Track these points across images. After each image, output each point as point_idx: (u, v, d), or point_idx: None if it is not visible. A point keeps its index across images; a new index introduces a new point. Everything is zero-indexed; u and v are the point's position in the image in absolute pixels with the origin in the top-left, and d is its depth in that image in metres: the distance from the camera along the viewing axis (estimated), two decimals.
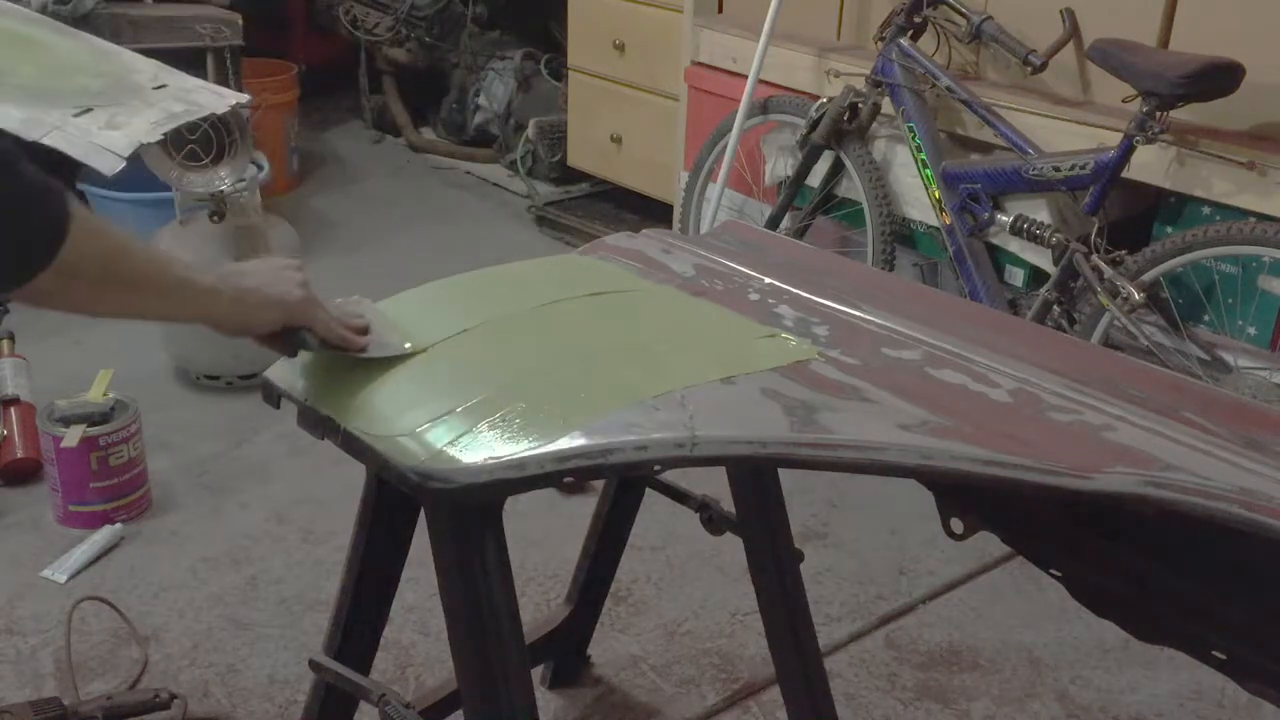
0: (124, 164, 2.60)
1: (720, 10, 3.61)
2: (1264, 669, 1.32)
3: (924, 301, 1.62)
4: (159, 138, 2.74)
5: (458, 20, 4.79)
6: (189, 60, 3.80)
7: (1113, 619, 1.45)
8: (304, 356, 1.38)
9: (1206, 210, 2.56)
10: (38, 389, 2.80)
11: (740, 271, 1.64)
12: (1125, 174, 2.56)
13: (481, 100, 4.77)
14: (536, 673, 2.11)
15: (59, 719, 1.90)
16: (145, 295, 1.20)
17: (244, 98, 2.95)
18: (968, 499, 1.51)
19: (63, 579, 2.36)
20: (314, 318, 1.33)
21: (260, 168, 3.27)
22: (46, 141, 2.67)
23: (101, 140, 2.64)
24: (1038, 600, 2.41)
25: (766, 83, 3.25)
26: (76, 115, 2.69)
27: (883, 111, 3.04)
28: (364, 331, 1.38)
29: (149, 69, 3.00)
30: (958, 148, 3.01)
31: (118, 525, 2.51)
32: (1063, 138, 2.74)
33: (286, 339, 1.33)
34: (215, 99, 2.90)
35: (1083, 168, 2.59)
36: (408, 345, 1.38)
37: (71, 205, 1.05)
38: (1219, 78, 2.43)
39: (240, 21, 3.87)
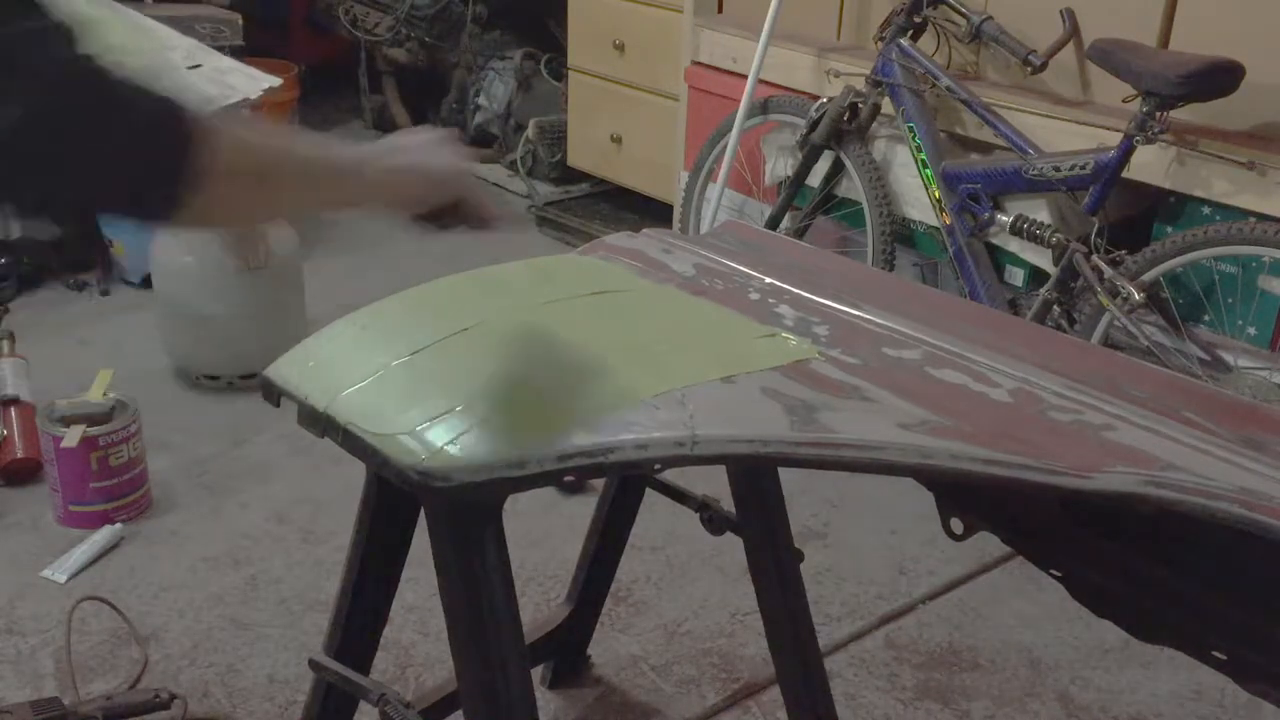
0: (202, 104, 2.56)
1: (720, 10, 3.61)
2: (1264, 669, 1.32)
3: (924, 301, 1.62)
4: None
5: (458, 20, 4.79)
6: None
7: (1113, 619, 1.45)
8: (314, 354, 1.38)
9: (1206, 210, 2.56)
10: (38, 389, 2.80)
11: (740, 271, 1.64)
12: (1125, 174, 2.56)
13: (481, 100, 4.77)
14: (536, 673, 2.11)
15: (59, 719, 1.90)
16: (296, 190, 1.13)
17: (275, 81, 2.92)
18: (968, 499, 1.51)
19: (63, 579, 2.36)
20: (474, 189, 1.28)
21: None
22: None
23: None
24: (1038, 600, 2.41)
25: (766, 83, 3.25)
26: None
27: (883, 111, 3.04)
28: None
29: (185, 46, 2.95)
30: (958, 148, 3.01)
31: (118, 525, 2.51)
32: (1063, 138, 2.74)
33: (443, 213, 1.27)
34: (249, 82, 2.86)
35: (1083, 168, 2.59)
36: None
37: (209, 120, 1.00)
38: (1219, 78, 2.43)
39: (240, 21, 3.87)
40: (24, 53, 0.89)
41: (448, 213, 1.27)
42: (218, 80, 2.85)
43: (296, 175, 1.12)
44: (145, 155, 0.96)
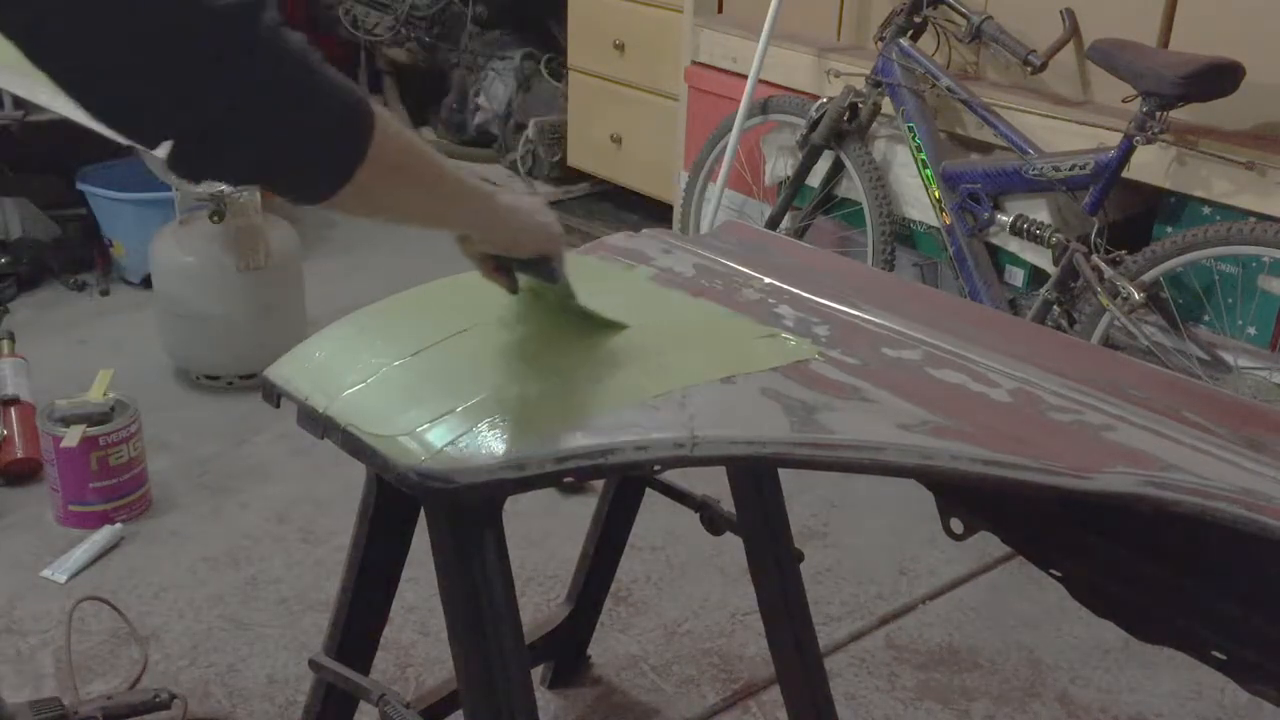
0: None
1: (720, 10, 3.61)
2: (1264, 669, 1.32)
3: (924, 301, 1.62)
4: None
5: (458, 20, 4.79)
6: None
7: (1113, 619, 1.45)
8: (314, 354, 1.38)
9: (1206, 210, 2.56)
10: (38, 389, 2.80)
11: (740, 271, 1.64)
12: (1125, 174, 2.56)
13: (481, 100, 4.76)
14: (536, 673, 2.11)
15: (59, 719, 1.90)
16: (438, 195, 1.19)
17: None
18: (968, 499, 1.51)
19: (63, 579, 2.36)
20: (563, 253, 1.36)
21: None
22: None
23: None
24: (1038, 600, 2.41)
25: (766, 83, 3.25)
26: None
27: (883, 111, 3.04)
28: None
29: None
30: (958, 148, 3.01)
31: (118, 525, 2.51)
32: (1063, 138, 2.74)
33: (521, 267, 1.35)
34: None
35: (1083, 168, 2.59)
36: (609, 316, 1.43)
37: (371, 101, 1.04)
38: (1219, 78, 2.43)
39: None
40: (237, 29, 0.92)
41: (533, 266, 1.35)
42: None
43: (442, 184, 1.18)
44: (335, 138, 1.01)
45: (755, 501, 1.81)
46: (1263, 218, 2.43)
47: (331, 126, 1.01)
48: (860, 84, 3.04)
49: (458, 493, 1.20)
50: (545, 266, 1.35)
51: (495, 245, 1.32)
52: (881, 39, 3.01)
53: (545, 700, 2.11)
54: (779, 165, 3.29)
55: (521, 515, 2.44)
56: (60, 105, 2.75)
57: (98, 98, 0.92)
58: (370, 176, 1.04)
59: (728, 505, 1.86)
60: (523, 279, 1.39)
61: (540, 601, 2.35)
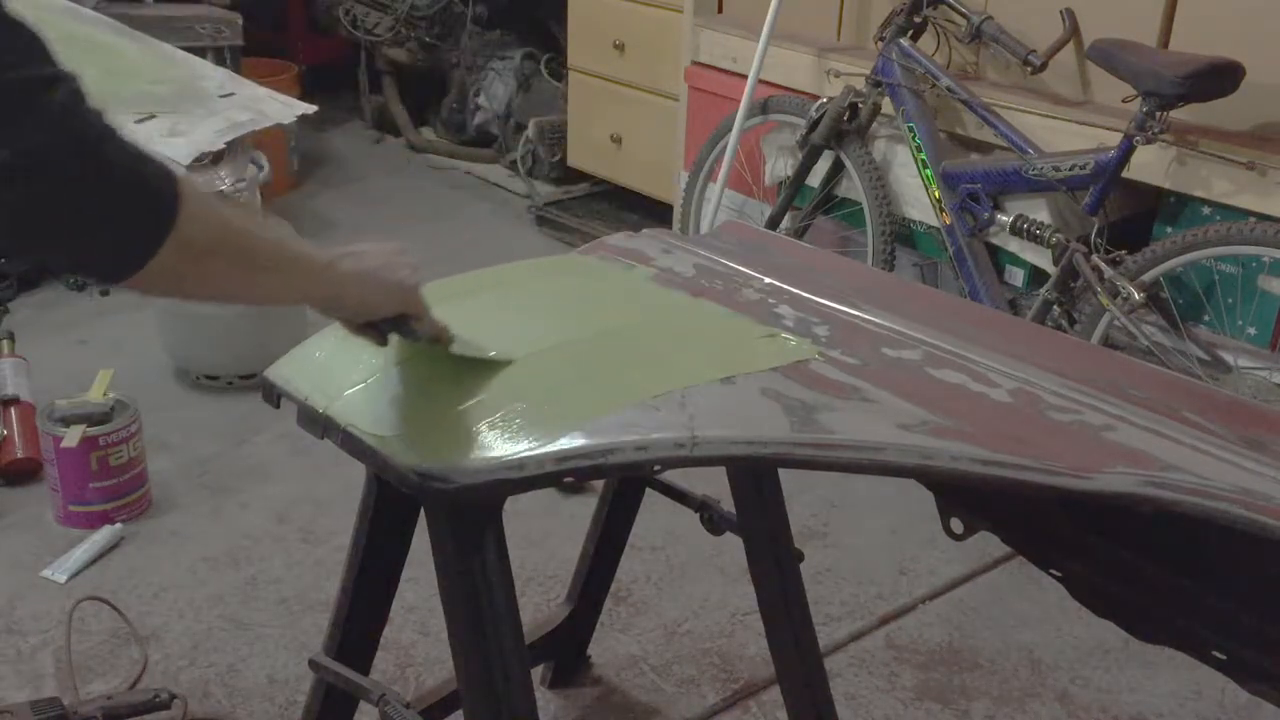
0: (184, 171, 2.61)
1: (720, 10, 3.61)
2: (1264, 669, 1.32)
3: (924, 301, 1.62)
4: (221, 146, 2.75)
5: (458, 20, 4.79)
6: None
7: (1113, 619, 1.45)
8: (314, 354, 1.38)
9: (1206, 210, 2.56)
10: (38, 389, 2.80)
11: (740, 271, 1.64)
12: (1125, 174, 2.56)
13: (481, 100, 4.77)
14: (536, 673, 2.11)
15: (59, 719, 1.90)
16: (263, 274, 1.13)
17: (310, 108, 2.94)
18: (968, 499, 1.51)
19: (63, 579, 2.36)
20: (424, 308, 1.29)
21: (260, 168, 3.27)
22: None
23: (162, 147, 2.67)
24: (1038, 600, 2.41)
25: (766, 83, 3.25)
26: (138, 121, 2.71)
27: (883, 111, 3.04)
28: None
29: (218, 76, 3.00)
30: (958, 148, 3.01)
31: (118, 525, 2.51)
32: (1063, 138, 2.74)
33: (387, 327, 1.29)
34: (282, 109, 2.91)
35: (1083, 168, 2.59)
36: (492, 353, 1.35)
37: (181, 183, 1.00)
38: (1219, 78, 2.43)
39: (240, 21, 3.87)
40: (21, 102, 0.89)
41: (394, 324, 1.29)
42: (251, 108, 2.88)
43: (271, 262, 1.13)
44: (129, 220, 0.96)
45: (755, 501, 1.81)
46: (1263, 218, 2.43)
47: (124, 208, 0.96)
48: (860, 84, 3.04)
49: (458, 493, 1.20)
50: (403, 325, 1.29)
51: (343, 314, 1.27)
52: (881, 39, 3.01)
53: (545, 700, 2.11)
54: (779, 165, 3.29)
55: (521, 515, 2.44)
56: None
57: None
58: (177, 260, 0.99)
59: (728, 505, 1.86)
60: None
61: (540, 601, 2.35)
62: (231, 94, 2.90)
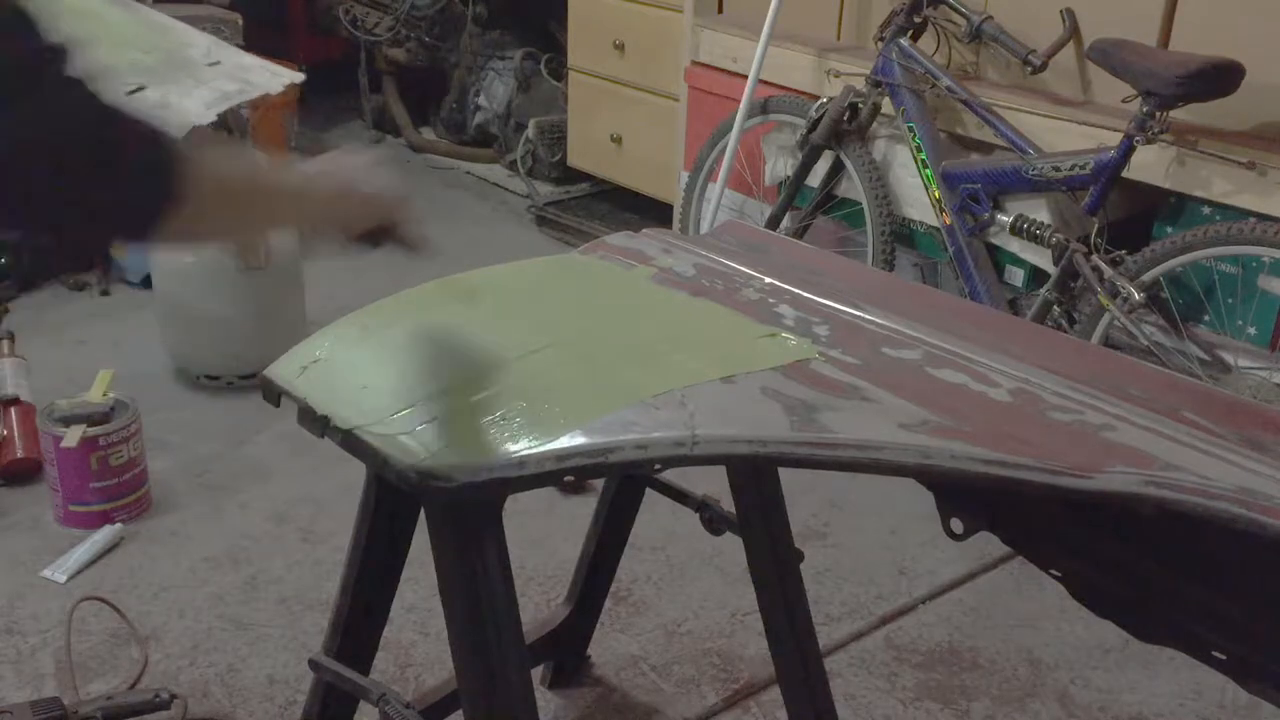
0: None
1: (720, 10, 3.61)
2: (1264, 669, 1.32)
3: (924, 301, 1.62)
4: (213, 119, 2.72)
5: (458, 20, 4.79)
6: None
7: (1113, 619, 1.45)
8: (314, 354, 1.38)
9: (1206, 210, 2.56)
10: (38, 389, 2.80)
11: (740, 271, 1.64)
12: (1125, 174, 2.56)
13: (481, 100, 4.77)
14: (536, 673, 2.11)
15: (59, 719, 1.90)
16: (262, 211, 1.18)
17: (298, 76, 2.91)
18: (968, 499, 1.51)
19: (63, 579, 2.36)
20: (408, 214, 1.32)
21: None
22: None
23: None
24: (1038, 600, 2.41)
25: (766, 83, 3.25)
26: (129, 93, 2.68)
27: (883, 111, 3.04)
28: None
29: (203, 43, 2.95)
30: (958, 148, 3.01)
31: (118, 525, 2.51)
32: (1063, 138, 2.74)
33: (374, 237, 1.31)
34: (270, 77, 2.85)
35: (1083, 168, 2.59)
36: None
37: (182, 143, 1.03)
38: (1219, 78, 2.43)
39: (240, 21, 3.87)
40: (30, 76, 0.90)
41: (381, 233, 1.30)
42: (238, 77, 2.84)
43: (259, 194, 1.16)
44: (129, 183, 0.98)
45: (755, 502, 1.81)
46: (1263, 218, 2.43)
47: (136, 172, 0.98)
48: (860, 84, 3.04)
49: (458, 492, 1.20)
50: (390, 234, 1.31)
51: (331, 231, 1.28)
52: (881, 39, 3.01)
53: (545, 700, 2.11)
54: (779, 165, 3.29)
55: (521, 515, 2.44)
56: None
57: None
58: (191, 215, 1.02)
59: (728, 505, 1.86)
60: None
61: (540, 601, 2.35)
62: (218, 62, 2.86)
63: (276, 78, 2.87)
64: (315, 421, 1.31)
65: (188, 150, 1.03)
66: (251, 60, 2.95)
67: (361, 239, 1.31)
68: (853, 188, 3.08)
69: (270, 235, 1.25)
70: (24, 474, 2.66)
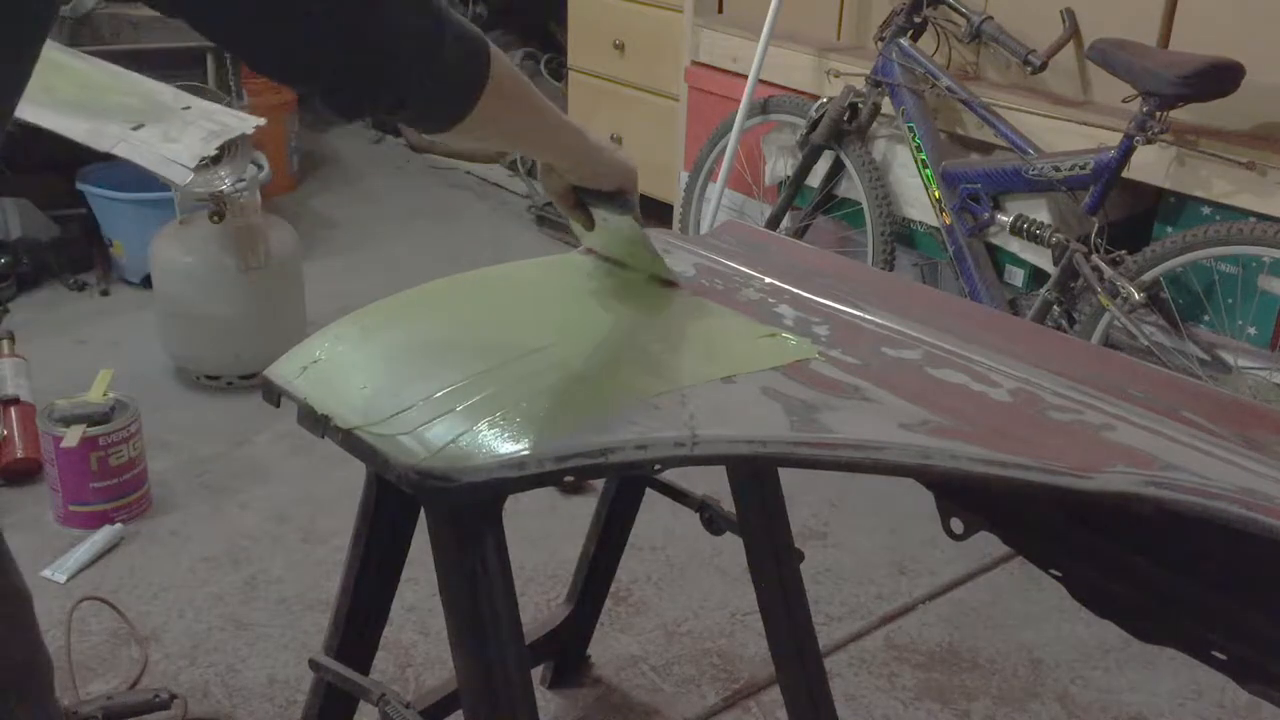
0: (192, 175, 2.72)
1: (720, 10, 3.61)
2: (1264, 669, 1.32)
3: (924, 301, 1.62)
4: (214, 151, 2.81)
5: None
6: (189, 60, 3.81)
7: (1113, 619, 1.45)
8: (314, 354, 1.38)
9: (1206, 210, 2.56)
10: (38, 389, 2.80)
11: (740, 271, 1.64)
12: (1125, 174, 2.56)
13: None
14: (536, 673, 2.11)
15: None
16: (539, 122, 1.35)
17: (260, 121, 3.03)
18: (968, 499, 1.51)
19: (63, 579, 2.36)
20: (637, 190, 1.47)
21: (260, 168, 3.27)
22: (116, 152, 2.79)
23: (167, 153, 2.72)
24: (1038, 600, 2.41)
25: (766, 83, 3.25)
26: (135, 129, 2.75)
27: (883, 111, 3.04)
28: None
29: (168, 92, 3.08)
30: (958, 148, 3.02)
31: (118, 525, 2.51)
32: (1063, 138, 2.74)
33: (606, 200, 1.46)
34: (239, 121, 2.98)
35: (1083, 168, 2.60)
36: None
37: (488, 40, 1.19)
38: (1219, 78, 2.43)
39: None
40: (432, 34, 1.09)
41: (608, 198, 1.46)
42: (212, 119, 2.94)
43: (543, 114, 1.36)
44: (463, 72, 1.16)
45: (755, 501, 1.81)
46: (1263, 218, 2.43)
47: (461, 63, 1.15)
48: (860, 84, 3.04)
49: (458, 492, 1.20)
50: (621, 200, 1.45)
51: (581, 176, 1.43)
52: (881, 39, 3.01)
53: (545, 700, 2.11)
54: (779, 165, 3.30)
55: (521, 515, 2.44)
56: (45, 120, 2.77)
57: (273, 67, 1.06)
58: (488, 104, 1.18)
59: (728, 505, 1.86)
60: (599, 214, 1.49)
61: (540, 601, 2.35)
62: (188, 106, 2.98)
63: (244, 121, 2.99)
64: (315, 421, 1.31)
65: (495, 50, 1.19)
66: (214, 107, 3.07)
67: (580, 209, 1.48)
68: (853, 188, 3.08)
69: (536, 150, 1.49)
70: (24, 474, 2.66)
